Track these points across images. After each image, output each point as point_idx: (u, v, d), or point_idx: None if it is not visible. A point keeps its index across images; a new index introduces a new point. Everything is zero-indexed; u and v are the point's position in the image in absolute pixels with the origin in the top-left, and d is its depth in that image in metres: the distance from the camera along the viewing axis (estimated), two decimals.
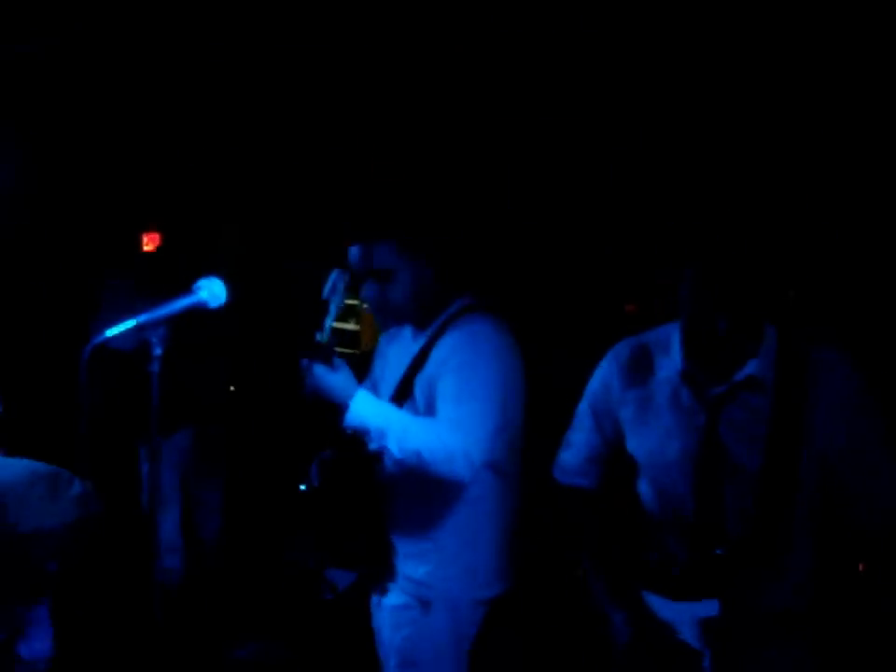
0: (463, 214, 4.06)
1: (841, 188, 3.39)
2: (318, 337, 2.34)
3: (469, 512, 2.44)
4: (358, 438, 2.38)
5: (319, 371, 2.32)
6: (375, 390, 2.64)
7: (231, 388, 4.39)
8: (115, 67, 4.50)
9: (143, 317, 1.98)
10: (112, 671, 3.49)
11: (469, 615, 2.48)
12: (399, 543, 2.51)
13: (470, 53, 4.29)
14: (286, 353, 4.34)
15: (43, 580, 2.05)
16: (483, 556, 2.49)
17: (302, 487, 2.56)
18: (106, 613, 3.70)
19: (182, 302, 2.03)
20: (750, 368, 1.99)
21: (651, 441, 2.12)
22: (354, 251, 2.47)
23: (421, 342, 2.52)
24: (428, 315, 2.52)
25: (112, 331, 1.97)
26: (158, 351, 1.99)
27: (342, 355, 2.63)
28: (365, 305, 2.68)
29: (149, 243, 4.52)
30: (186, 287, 2.07)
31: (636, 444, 2.16)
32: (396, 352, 2.64)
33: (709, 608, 2.00)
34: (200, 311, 2.08)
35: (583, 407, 2.29)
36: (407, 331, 2.62)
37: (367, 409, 2.33)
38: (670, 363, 2.09)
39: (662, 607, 2.05)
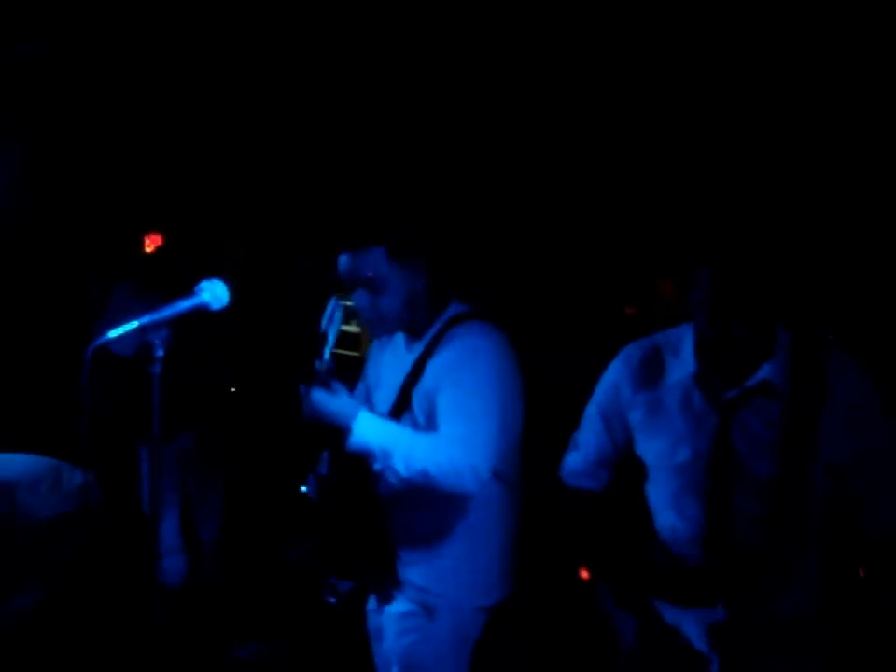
0: (456, 218, 4.07)
1: (852, 190, 3.38)
2: (318, 366, 2.32)
3: (473, 520, 2.44)
4: (362, 459, 2.35)
5: (318, 396, 2.31)
6: (369, 397, 2.63)
7: (232, 390, 4.39)
8: (116, 68, 4.50)
9: (145, 319, 1.97)
10: (114, 671, 3.48)
11: (473, 621, 2.49)
12: (403, 551, 2.49)
13: (468, 54, 4.29)
14: (284, 373, 4.36)
15: (59, 562, 2.08)
16: (487, 562, 2.49)
17: (303, 489, 2.56)
18: (108, 614, 3.70)
19: (184, 304, 2.03)
20: (764, 372, 1.98)
21: (662, 443, 2.10)
22: (343, 259, 2.43)
23: (416, 351, 2.48)
24: (421, 322, 2.49)
25: (114, 332, 1.96)
26: (160, 353, 1.99)
27: (343, 357, 2.63)
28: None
29: (151, 244, 4.52)
30: (188, 289, 2.07)
31: (645, 447, 2.15)
32: (390, 360, 2.60)
33: (717, 613, 1.99)
34: (201, 313, 2.08)
35: (592, 409, 2.27)
36: (400, 338, 2.59)
37: (370, 431, 2.30)
38: (682, 366, 2.08)
39: (669, 612, 2.05)
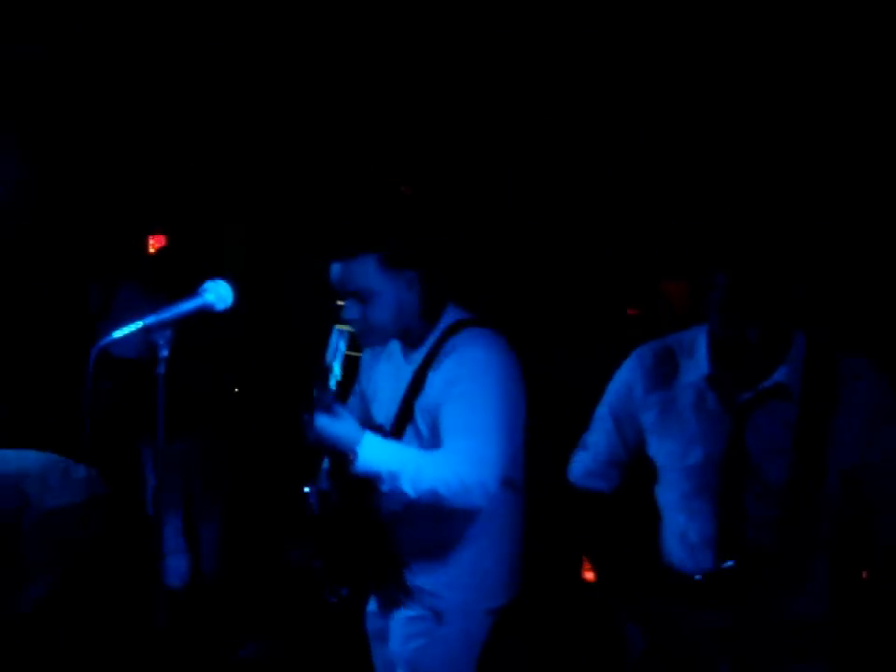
0: (452, 222, 4.07)
1: (867, 194, 3.38)
2: (324, 397, 2.29)
3: (481, 526, 2.42)
4: (369, 481, 2.33)
5: (322, 422, 2.27)
6: (366, 408, 2.61)
7: (235, 390, 4.39)
8: (118, 69, 4.50)
9: (149, 319, 1.97)
10: (117, 670, 3.48)
11: (481, 623, 2.48)
12: (410, 559, 2.47)
13: (466, 55, 4.29)
14: (284, 374, 4.36)
15: (70, 551, 2.10)
16: (495, 565, 2.48)
17: (306, 489, 2.55)
18: (111, 614, 3.70)
19: (188, 305, 2.02)
20: (780, 374, 1.97)
21: (674, 445, 2.09)
22: (334, 268, 2.38)
23: (415, 361, 2.44)
24: (417, 331, 2.44)
25: (119, 333, 1.96)
26: (164, 353, 1.98)
27: (347, 357, 2.62)
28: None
29: (155, 245, 4.53)
30: (192, 290, 2.07)
31: (657, 448, 2.13)
32: (386, 370, 2.56)
33: (727, 617, 1.98)
34: (205, 313, 2.07)
35: (603, 409, 2.25)
36: (395, 347, 2.54)
37: (376, 453, 2.27)
38: (695, 367, 2.06)
39: (679, 616, 2.03)
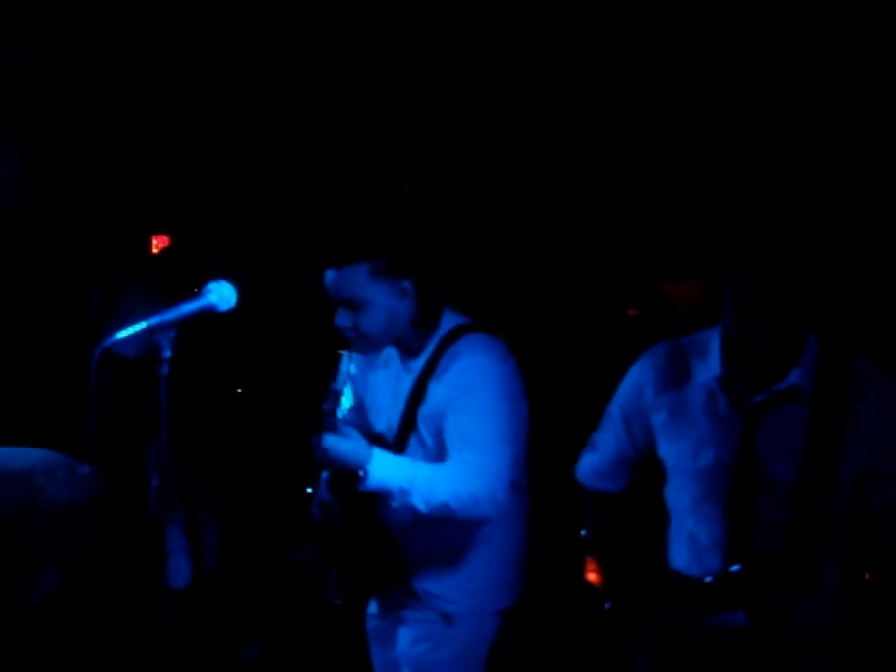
0: (450, 225, 4.06)
1: (881, 196, 3.37)
2: (336, 422, 2.28)
3: (488, 531, 2.41)
4: (380, 497, 2.32)
5: (331, 442, 2.25)
6: (363, 415, 2.58)
7: (238, 391, 4.39)
8: (121, 70, 4.50)
9: (153, 320, 1.96)
10: (119, 671, 3.49)
11: (490, 625, 2.48)
12: (418, 563, 2.45)
13: (464, 58, 4.29)
14: (285, 376, 4.34)
15: (76, 546, 2.11)
16: (503, 567, 2.48)
17: (309, 490, 2.55)
18: (113, 614, 3.70)
19: (192, 305, 2.02)
20: (793, 377, 1.95)
21: (684, 447, 2.07)
22: (329, 276, 2.35)
23: (415, 370, 2.42)
24: (413, 340, 2.42)
25: (122, 334, 1.96)
26: (167, 354, 1.98)
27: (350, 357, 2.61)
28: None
29: (158, 245, 4.53)
30: (195, 290, 2.07)
31: (667, 450, 2.12)
32: (384, 378, 2.53)
33: (736, 620, 1.97)
34: (208, 314, 2.08)
35: (613, 409, 2.24)
36: (392, 355, 2.51)
37: (386, 470, 2.26)
38: (708, 368, 2.04)
39: (687, 619, 2.02)
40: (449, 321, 2.43)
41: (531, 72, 4.28)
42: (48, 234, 4.87)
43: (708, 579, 2.00)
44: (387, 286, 2.32)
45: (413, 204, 4.48)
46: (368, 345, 2.42)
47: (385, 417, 2.48)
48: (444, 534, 2.38)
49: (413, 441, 2.40)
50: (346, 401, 2.31)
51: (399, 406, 2.43)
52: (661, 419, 2.11)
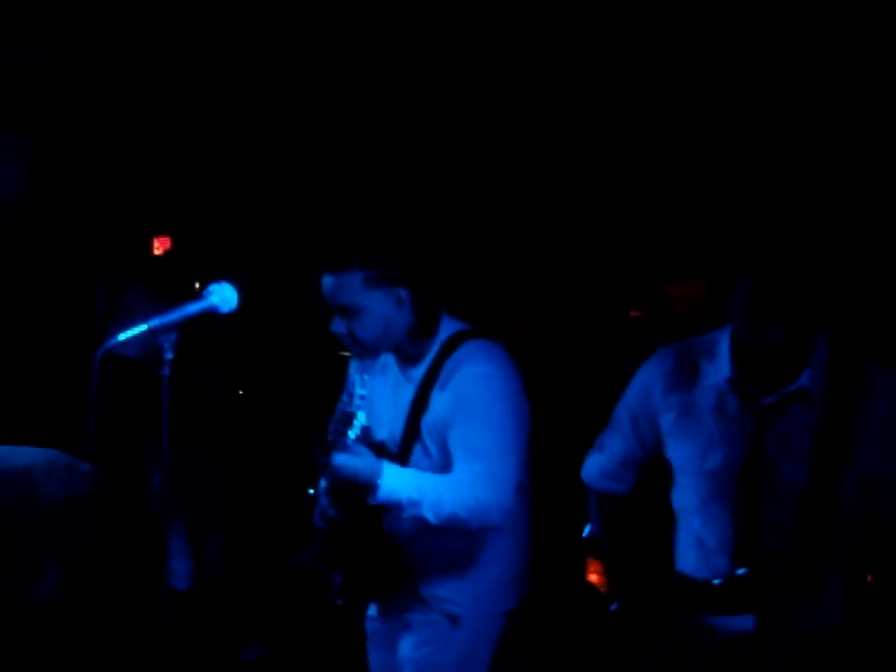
0: (449, 228, 4.05)
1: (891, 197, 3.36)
2: (350, 437, 2.29)
3: (494, 533, 2.41)
4: (389, 508, 2.32)
5: (341, 459, 2.26)
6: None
7: (240, 392, 4.39)
8: (123, 71, 4.50)
9: (154, 322, 1.96)
10: None
11: (495, 626, 2.49)
12: (424, 568, 2.45)
13: (463, 59, 4.29)
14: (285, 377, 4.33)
15: (78, 543, 2.12)
16: (509, 569, 2.49)
17: (310, 491, 2.54)
18: (115, 616, 3.70)
19: (194, 307, 2.02)
20: (803, 379, 1.95)
21: (692, 448, 2.06)
22: (325, 281, 2.34)
23: (415, 378, 2.41)
24: (411, 347, 2.41)
25: (123, 336, 1.96)
26: (169, 355, 1.98)
27: (343, 357, 2.61)
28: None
29: (160, 247, 4.53)
30: (197, 292, 2.07)
31: (674, 451, 2.11)
32: (381, 385, 2.51)
33: (743, 623, 1.96)
34: (210, 316, 2.07)
35: (621, 410, 2.24)
36: (389, 362, 2.50)
37: (397, 483, 2.26)
38: (717, 370, 2.04)
39: (693, 621, 2.02)
40: (447, 327, 2.42)
41: (531, 72, 4.28)
42: (49, 234, 4.87)
43: (717, 581, 1.99)
44: (383, 294, 2.31)
45: (411, 213, 4.47)
46: (364, 352, 2.42)
47: (387, 426, 2.47)
48: (450, 538, 2.38)
49: (416, 451, 2.40)
50: (359, 423, 2.30)
51: (402, 415, 2.42)
52: (669, 420, 2.11)
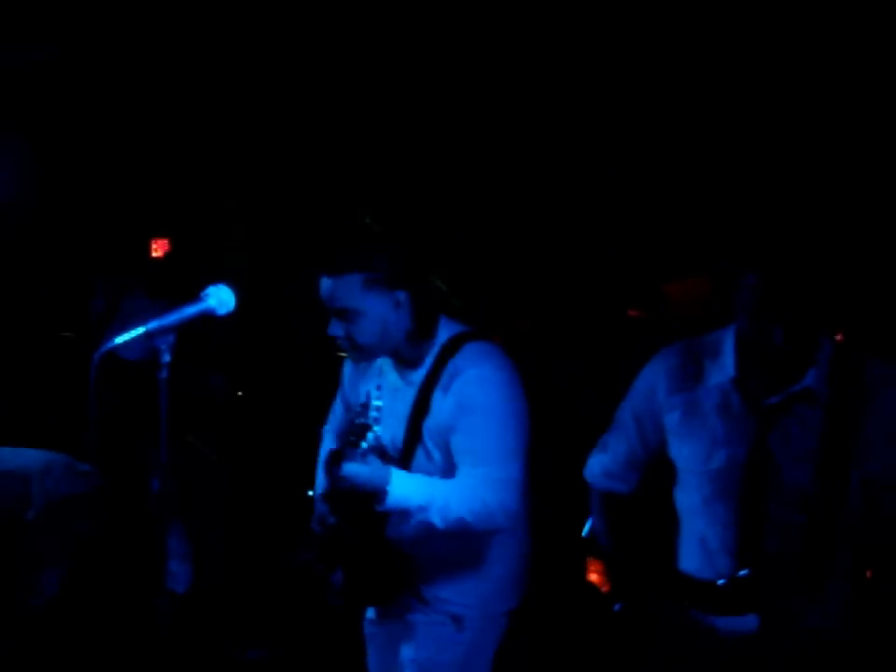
0: (445, 238, 4.05)
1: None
2: (362, 448, 2.28)
3: (497, 534, 2.42)
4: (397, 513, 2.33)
5: (350, 469, 2.25)
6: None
7: (238, 394, 4.39)
8: (123, 74, 4.50)
9: (152, 325, 1.96)
10: None
11: (498, 625, 2.50)
12: (427, 571, 2.45)
13: (463, 59, 4.29)
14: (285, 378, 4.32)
15: (76, 541, 2.13)
16: (511, 568, 2.50)
17: (310, 493, 2.55)
18: (115, 618, 3.70)
19: (191, 310, 2.02)
20: (808, 379, 1.94)
21: (696, 448, 2.05)
22: (323, 283, 2.33)
23: (415, 381, 2.40)
24: (411, 350, 2.40)
25: (121, 338, 1.96)
26: (166, 358, 1.98)
27: (341, 358, 2.61)
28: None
29: (158, 249, 4.53)
30: (195, 294, 2.07)
31: (678, 451, 2.10)
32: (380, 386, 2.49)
33: (746, 624, 1.96)
34: (207, 318, 2.07)
35: (625, 410, 2.22)
36: (385, 363, 2.48)
37: (406, 490, 2.26)
38: (721, 369, 2.03)
39: (696, 623, 2.02)
40: (446, 330, 2.41)
41: (531, 72, 4.28)
42: (49, 236, 4.88)
43: (720, 582, 1.99)
44: (382, 296, 2.31)
45: (411, 214, 4.47)
46: (362, 355, 2.42)
47: (388, 429, 2.45)
48: (453, 540, 2.38)
49: (419, 454, 2.40)
50: (373, 435, 2.29)
51: (402, 419, 2.41)
52: (673, 420, 2.10)
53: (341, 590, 2.47)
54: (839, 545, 1.97)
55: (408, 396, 2.41)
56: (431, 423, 2.37)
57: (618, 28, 3.96)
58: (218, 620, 4.06)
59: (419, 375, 2.40)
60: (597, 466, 2.31)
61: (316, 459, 2.67)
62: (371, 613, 2.62)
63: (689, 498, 2.11)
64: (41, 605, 2.15)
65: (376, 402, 2.29)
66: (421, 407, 2.37)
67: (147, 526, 3.32)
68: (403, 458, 2.41)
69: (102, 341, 1.96)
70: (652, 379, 2.15)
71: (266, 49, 4.33)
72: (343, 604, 2.53)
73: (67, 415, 3.16)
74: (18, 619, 2.12)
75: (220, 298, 2.05)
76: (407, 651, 2.50)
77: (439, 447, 2.36)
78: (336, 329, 2.35)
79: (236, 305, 2.08)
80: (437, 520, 2.27)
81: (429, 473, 2.36)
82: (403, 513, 2.30)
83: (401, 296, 2.32)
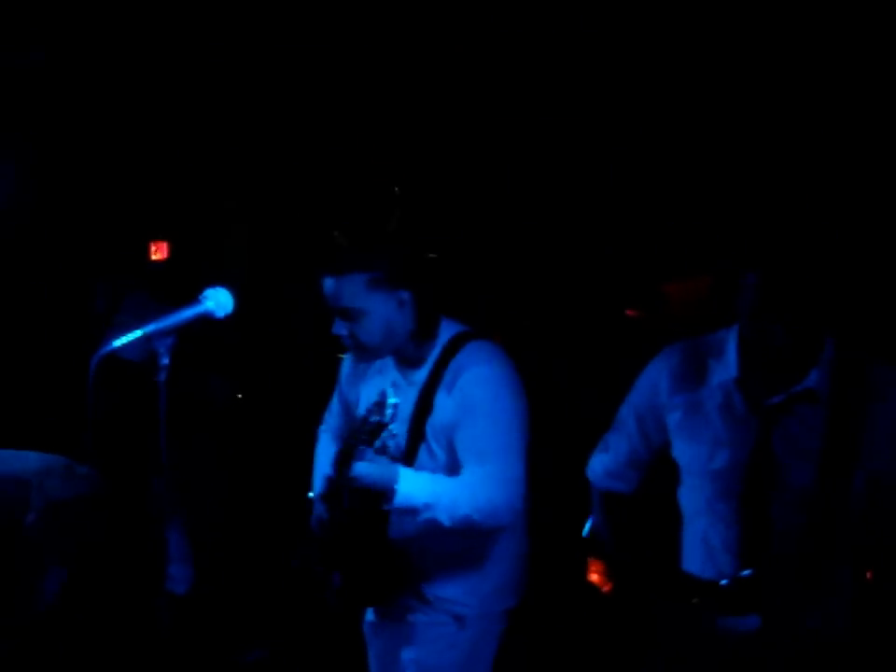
0: (445, 239, 4.05)
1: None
2: (376, 447, 2.29)
3: (497, 534, 2.43)
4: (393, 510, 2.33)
5: (360, 468, 2.27)
6: (351, 417, 2.58)
7: (238, 396, 4.39)
8: (124, 75, 4.50)
9: (150, 327, 1.96)
10: None
11: (499, 624, 2.51)
12: (428, 570, 2.46)
13: (463, 58, 4.29)
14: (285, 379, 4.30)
15: (77, 544, 2.13)
16: (511, 567, 2.51)
17: (310, 495, 2.55)
18: (116, 620, 3.71)
19: (189, 312, 2.02)
20: (811, 379, 1.94)
21: (699, 447, 2.06)
22: (327, 283, 2.34)
23: (417, 381, 2.42)
24: (413, 350, 2.42)
25: (119, 342, 1.96)
26: (165, 361, 1.99)
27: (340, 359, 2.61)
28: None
29: (157, 251, 4.53)
30: (194, 297, 2.07)
31: (681, 451, 2.11)
32: (379, 385, 2.49)
33: (749, 624, 1.96)
34: (206, 320, 2.07)
35: (627, 410, 2.23)
36: (388, 365, 2.50)
37: (413, 488, 2.28)
38: (724, 369, 2.03)
39: (699, 623, 2.01)
40: (447, 330, 2.43)
41: (531, 72, 4.28)
42: (48, 237, 4.87)
43: (723, 582, 1.99)
44: (385, 296, 2.32)
45: (412, 215, 4.47)
46: (366, 355, 2.43)
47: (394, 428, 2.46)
48: (454, 539, 2.39)
49: (422, 453, 2.41)
50: (388, 433, 2.29)
51: (405, 418, 2.41)
52: (676, 419, 2.10)
53: (340, 591, 2.47)
54: (841, 545, 1.97)
55: (410, 395, 2.42)
56: (435, 422, 2.38)
57: (618, 28, 3.96)
58: (218, 621, 4.06)
59: (421, 375, 2.42)
60: (599, 465, 2.31)
61: (313, 460, 2.67)
62: (370, 615, 2.62)
63: (691, 498, 2.12)
64: (42, 608, 2.14)
65: (392, 400, 2.29)
66: (424, 406, 2.39)
67: (147, 528, 3.33)
68: (407, 457, 2.42)
69: (101, 342, 1.97)
70: (655, 378, 2.16)
71: (266, 50, 4.33)
72: (343, 605, 2.53)
73: (66, 417, 3.16)
74: (19, 622, 2.12)
75: (219, 300, 2.06)
76: (408, 652, 2.50)
77: (442, 446, 2.37)
78: (340, 328, 2.36)
79: (235, 307, 2.09)
80: (444, 518, 2.28)
81: (433, 472, 2.37)
82: (409, 512, 2.30)
83: (405, 295, 2.34)
